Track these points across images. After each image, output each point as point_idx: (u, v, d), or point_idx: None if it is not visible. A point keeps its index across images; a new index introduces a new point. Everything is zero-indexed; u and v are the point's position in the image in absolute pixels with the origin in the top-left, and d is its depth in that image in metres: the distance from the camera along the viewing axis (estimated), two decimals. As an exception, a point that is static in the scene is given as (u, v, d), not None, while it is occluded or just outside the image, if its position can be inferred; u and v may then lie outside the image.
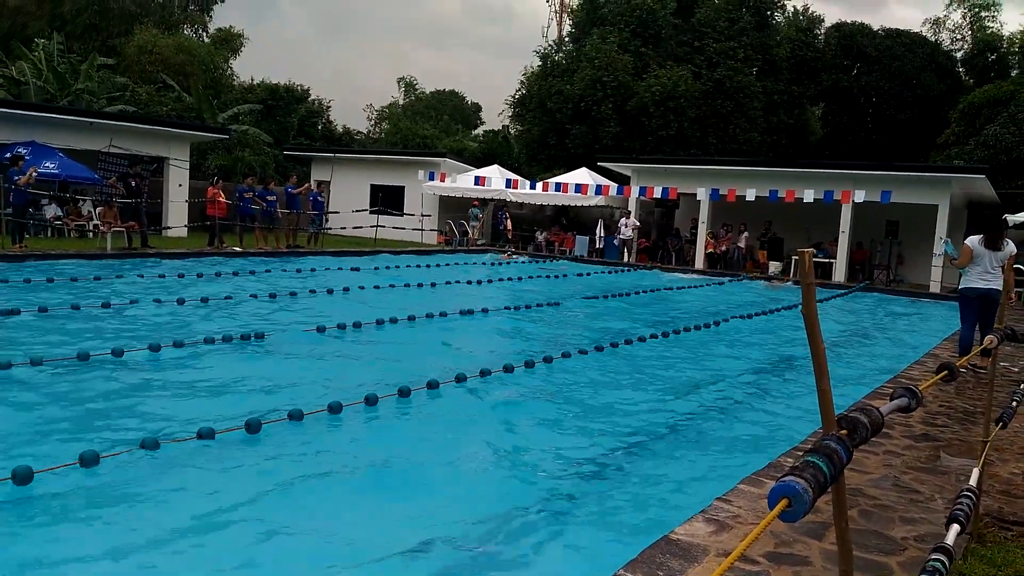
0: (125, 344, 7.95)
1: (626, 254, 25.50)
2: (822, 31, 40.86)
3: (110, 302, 10.62)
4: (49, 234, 20.41)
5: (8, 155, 18.07)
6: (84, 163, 21.04)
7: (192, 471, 4.91)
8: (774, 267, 24.56)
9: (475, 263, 21.48)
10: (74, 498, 4.42)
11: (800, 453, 5.31)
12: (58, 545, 3.87)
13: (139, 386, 6.84)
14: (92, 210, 21.69)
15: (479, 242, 27.93)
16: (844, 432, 2.01)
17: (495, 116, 63.85)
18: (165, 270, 14.73)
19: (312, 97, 42.64)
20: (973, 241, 8.75)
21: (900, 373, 8.70)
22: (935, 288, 21.68)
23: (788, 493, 1.70)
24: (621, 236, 25.61)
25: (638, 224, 26.03)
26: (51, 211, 21.03)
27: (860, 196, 21.26)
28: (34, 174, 16.83)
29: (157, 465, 4.90)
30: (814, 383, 2.10)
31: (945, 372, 3.32)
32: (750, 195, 22.56)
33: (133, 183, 18.98)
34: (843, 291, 19.78)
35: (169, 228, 22.85)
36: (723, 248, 25.12)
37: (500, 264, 21.83)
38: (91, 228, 20.61)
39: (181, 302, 11.14)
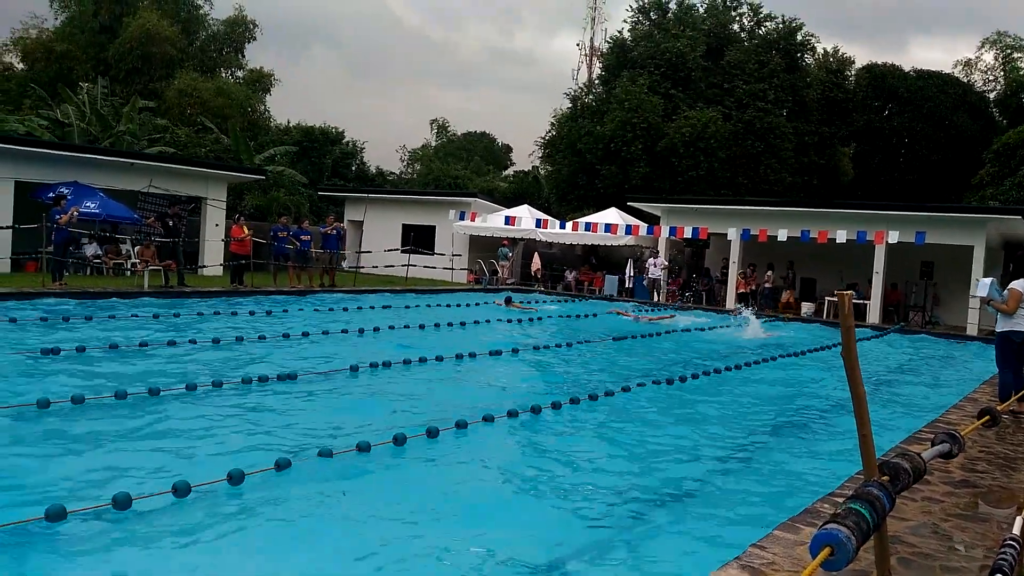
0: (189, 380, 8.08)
1: (655, 294, 25.39)
2: (852, 72, 40.92)
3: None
4: (88, 272, 20.85)
5: (51, 195, 18.59)
6: (124, 203, 21.56)
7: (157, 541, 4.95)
8: (806, 308, 24.32)
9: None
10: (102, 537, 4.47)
11: (837, 499, 5.22)
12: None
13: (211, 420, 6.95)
14: (131, 248, 22.14)
15: (508, 281, 28.02)
16: (886, 478, 1.99)
17: (525, 157, 64.53)
18: (204, 307, 14.96)
19: (346, 139, 43.49)
20: (1022, 284, 8.75)
21: (939, 417, 8.54)
22: (972, 330, 21.29)
23: (831, 541, 1.68)
24: (650, 276, 25.53)
25: (666, 264, 25.94)
26: (91, 249, 21.52)
27: (894, 237, 21.03)
28: (76, 214, 17.27)
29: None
30: (847, 426, 2.09)
31: (987, 417, 3.28)
32: (782, 235, 22.42)
33: (171, 222, 19.38)
34: (879, 332, 19.50)
35: (205, 267, 23.24)
36: (751, 287, 25.01)
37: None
38: (129, 266, 21.03)
39: (216, 341, 11.32)
